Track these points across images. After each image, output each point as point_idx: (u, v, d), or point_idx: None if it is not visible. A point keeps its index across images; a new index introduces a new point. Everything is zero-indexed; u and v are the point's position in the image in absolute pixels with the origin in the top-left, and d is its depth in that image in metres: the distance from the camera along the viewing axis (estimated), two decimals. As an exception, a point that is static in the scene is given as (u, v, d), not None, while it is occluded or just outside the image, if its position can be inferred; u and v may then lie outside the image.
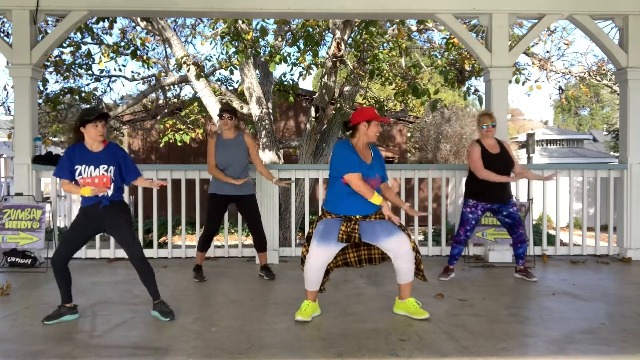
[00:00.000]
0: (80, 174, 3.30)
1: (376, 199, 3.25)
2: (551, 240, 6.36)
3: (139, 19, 8.94)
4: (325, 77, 7.62)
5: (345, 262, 3.57)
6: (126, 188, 4.54)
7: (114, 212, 3.37)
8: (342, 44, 7.30)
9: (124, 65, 10.97)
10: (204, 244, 4.59)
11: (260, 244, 4.62)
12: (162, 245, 6.64)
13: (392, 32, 8.59)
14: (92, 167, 3.31)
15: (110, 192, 3.34)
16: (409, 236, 3.35)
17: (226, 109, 4.57)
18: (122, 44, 9.50)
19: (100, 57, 9.48)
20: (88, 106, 3.31)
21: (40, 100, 8.76)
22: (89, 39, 9.38)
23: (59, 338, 3.05)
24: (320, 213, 3.45)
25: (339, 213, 3.34)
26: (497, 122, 4.52)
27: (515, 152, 27.52)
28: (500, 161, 4.42)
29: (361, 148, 3.38)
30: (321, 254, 3.30)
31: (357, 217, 3.33)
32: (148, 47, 10.25)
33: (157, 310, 3.41)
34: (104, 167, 3.31)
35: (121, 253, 5.35)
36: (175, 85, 10.98)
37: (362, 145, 3.38)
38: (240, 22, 7.53)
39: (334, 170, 3.36)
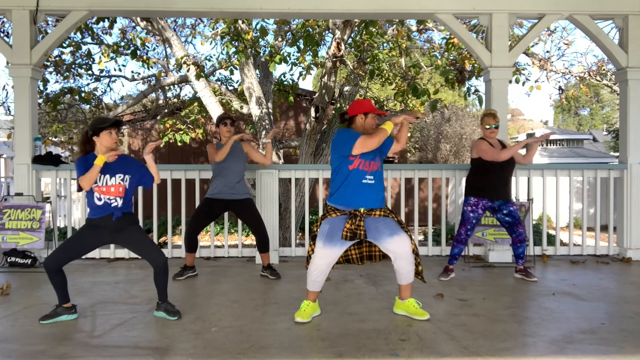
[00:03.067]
0: (95, 182, 3.29)
1: (388, 125, 3.31)
2: (551, 240, 6.36)
3: (139, 19, 8.95)
4: (325, 77, 7.62)
5: (346, 259, 3.56)
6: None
7: (126, 225, 3.37)
8: (342, 44, 7.29)
9: (124, 65, 10.98)
10: (189, 244, 4.55)
11: (263, 244, 4.59)
12: (162, 245, 6.64)
13: (392, 32, 8.59)
14: (107, 176, 3.31)
15: (121, 203, 3.34)
16: (410, 237, 3.34)
17: (226, 116, 4.60)
18: (122, 44, 9.49)
19: (100, 57, 9.48)
20: (101, 117, 3.36)
21: (40, 100, 8.76)
22: (89, 39, 9.38)
23: (59, 338, 3.05)
24: (324, 211, 3.41)
25: (344, 205, 3.29)
26: (499, 122, 4.52)
27: (515, 152, 27.51)
28: (502, 162, 4.41)
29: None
30: (327, 255, 3.29)
31: (362, 211, 3.29)
32: (148, 47, 10.25)
33: (162, 310, 3.41)
34: (120, 177, 3.33)
35: (121, 253, 5.36)
36: (175, 85, 10.98)
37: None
38: (240, 22, 7.53)
39: (337, 157, 3.32)
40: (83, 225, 3.44)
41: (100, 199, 3.31)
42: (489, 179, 4.42)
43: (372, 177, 3.32)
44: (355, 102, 3.48)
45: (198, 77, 8.27)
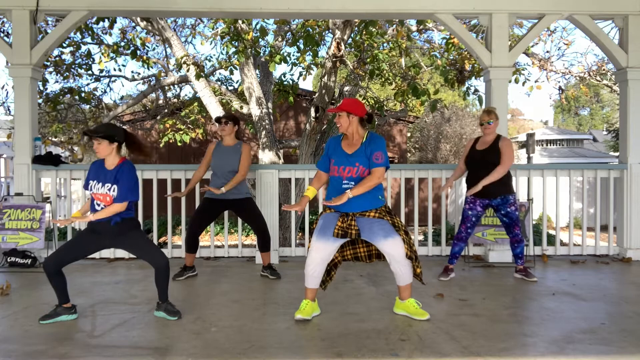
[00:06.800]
0: (91, 188, 3.35)
1: (308, 192, 3.40)
2: (551, 240, 6.36)
3: (139, 19, 8.94)
4: (325, 77, 7.62)
5: (355, 256, 3.56)
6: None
7: (127, 230, 3.36)
8: (342, 44, 7.29)
9: (124, 65, 10.99)
10: (189, 244, 4.54)
11: (264, 243, 4.58)
12: (162, 245, 6.64)
13: (392, 32, 8.60)
14: (100, 184, 3.33)
15: None
16: (404, 241, 3.29)
17: (223, 115, 4.60)
18: (122, 44, 9.50)
19: (100, 57, 9.48)
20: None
21: (40, 100, 8.76)
22: (89, 39, 9.38)
23: (59, 338, 3.05)
24: (322, 208, 3.51)
25: (329, 205, 3.35)
26: (498, 119, 4.51)
27: (516, 152, 27.54)
28: (479, 158, 4.45)
29: (350, 139, 3.40)
30: (320, 249, 3.31)
31: (354, 212, 3.31)
32: (148, 47, 10.26)
33: (162, 310, 3.41)
34: (107, 186, 3.31)
35: (121, 253, 5.36)
36: (175, 85, 10.98)
37: (350, 136, 3.40)
38: (240, 22, 7.53)
39: None
40: (85, 228, 3.44)
41: (99, 205, 3.32)
42: (470, 178, 4.53)
43: (351, 183, 3.30)
44: (354, 101, 3.48)
45: (198, 77, 8.27)
